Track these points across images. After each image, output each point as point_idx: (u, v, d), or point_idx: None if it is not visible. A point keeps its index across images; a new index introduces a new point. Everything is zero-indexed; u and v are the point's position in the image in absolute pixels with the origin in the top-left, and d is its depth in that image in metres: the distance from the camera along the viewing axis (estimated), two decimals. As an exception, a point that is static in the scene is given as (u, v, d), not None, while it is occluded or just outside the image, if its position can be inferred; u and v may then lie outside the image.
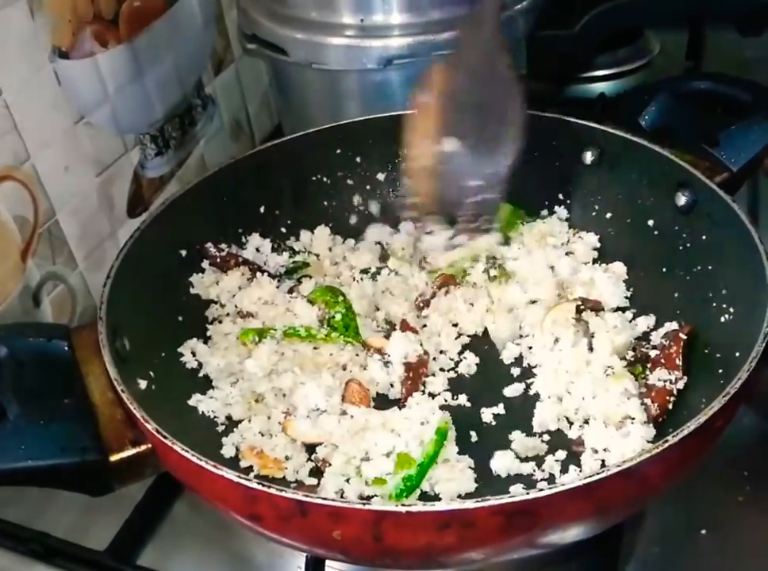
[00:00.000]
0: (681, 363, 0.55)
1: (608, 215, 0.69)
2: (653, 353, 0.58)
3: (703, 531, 0.55)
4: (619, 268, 0.67)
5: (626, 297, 0.65)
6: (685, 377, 0.55)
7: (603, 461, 0.52)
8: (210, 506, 0.47)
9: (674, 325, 0.60)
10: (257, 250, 0.71)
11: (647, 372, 0.57)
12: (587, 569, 0.54)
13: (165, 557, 0.58)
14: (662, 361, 0.56)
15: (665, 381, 0.55)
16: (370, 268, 0.71)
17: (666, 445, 0.41)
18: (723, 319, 0.56)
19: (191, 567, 0.57)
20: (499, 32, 0.56)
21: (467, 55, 0.58)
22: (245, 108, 0.96)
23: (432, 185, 0.60)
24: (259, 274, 0.68)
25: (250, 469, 0.54)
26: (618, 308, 0.64)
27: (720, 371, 0.52)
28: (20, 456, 0.45)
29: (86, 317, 0.75)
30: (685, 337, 0.56)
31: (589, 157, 0.69)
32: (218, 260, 0.68)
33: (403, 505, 0.39)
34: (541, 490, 0.39)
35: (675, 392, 0.55)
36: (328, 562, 0.53)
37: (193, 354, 0.62)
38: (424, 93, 0.59)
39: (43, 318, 0.70)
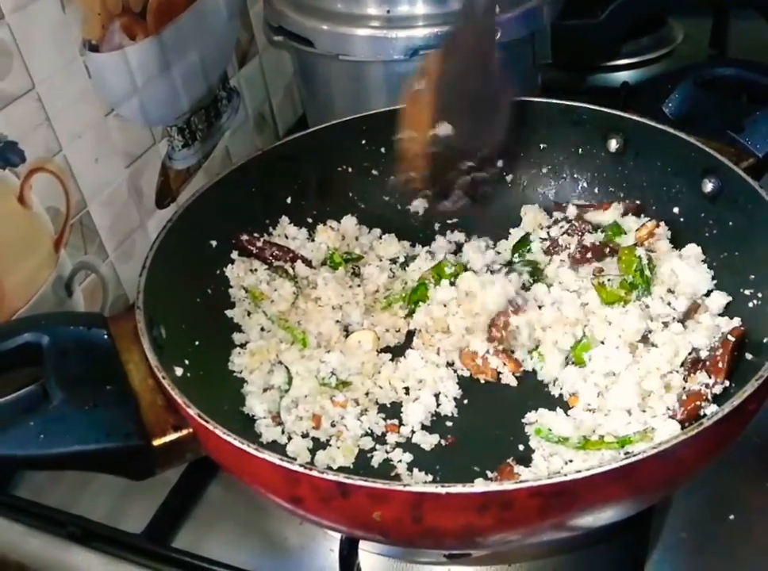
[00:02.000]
0: (724, 367, 0.53)
1: (637, 202, 0.69)
2: (703, 354, 0.56)
3: (731, 516, 0.55)
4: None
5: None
6: (726, 383, 0.53)
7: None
8: (250, 489, 0.48)
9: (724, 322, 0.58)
10: (288, 238, 0.72)
11: (690, 374, 0.55)
12: (616, 553, 0.55)
13: (200, 540, 0.59)
14: (708, 364, 0.54)
15: (702, 384, 0.53)
16: (398, 258, 0.71)
17: (702, 427, 0.41)
18: (751, 305, 0.57)
19: (226, 549, 0.58)
20: (493, 33, 0.62)
21: (462, 45, 0.61)
22: (269, 100, 0.97)
23: (424, 165, 0.62)
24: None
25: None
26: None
27: (750, 357, 0.53)
28: (66, 441, 0.47)
29: (117, 306, 0.76)
30: (732, 339, 0.54)
31: (613, 145, 0.69)
32: (255, 251, 0.69)
33: (443, 486, 0.40)
34: (578, 472, 0.40)
35: (709, 397, 0.53)
36: (361, 544, 0.54)
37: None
38: (418, 81, 0.62)
39: (75, 307, 0.71)
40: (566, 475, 0.39)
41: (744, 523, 0.55)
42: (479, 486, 0.39)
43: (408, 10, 0.73)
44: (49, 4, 0.63)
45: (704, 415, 0.52)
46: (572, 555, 0.55)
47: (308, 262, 0.70)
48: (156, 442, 0.48)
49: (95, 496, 0.62)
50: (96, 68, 0.69)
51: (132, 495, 0.61)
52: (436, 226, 0.74)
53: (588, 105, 0.69)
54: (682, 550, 0.55)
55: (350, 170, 0.74)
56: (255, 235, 0.70)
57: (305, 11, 0.76)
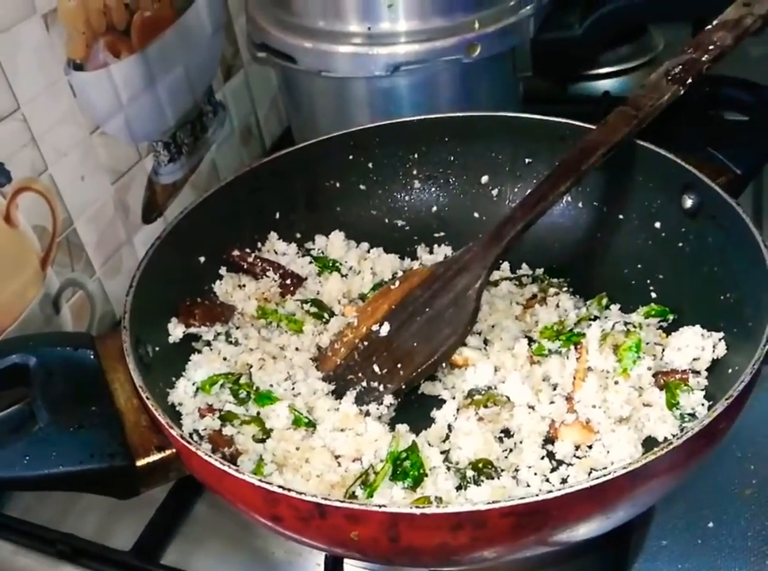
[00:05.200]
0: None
1: (620, 217, 0.70)
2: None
3: (710, 524, 0.56)
4: None
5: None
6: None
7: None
8: (232, 507, 0.49)
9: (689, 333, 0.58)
10: (278, 254, 0.72)
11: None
12: (598, 563, 0.56)
13: (188, 556, 0.60)
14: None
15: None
16: (397, 272, 0.72)
17: (671, 447, 0.42)
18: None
19: (213, 565, 0.59)
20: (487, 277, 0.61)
21: (445, 280, 0.61)
22: (255, 113, 0.97)
23: (345, 353, 0.62)
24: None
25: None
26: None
27: (729, 371, 0.54)
28: (51, 462, 0.47)
29: (105, 323, 0.77)
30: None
31: (596, 159, 0.69)
32: (245, 266, 0.70)
33: (417, 507, 0.41)
34: (550, 491, 0.40)
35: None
36: (346, 560, 0.55)
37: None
38: (395, 282, 0.64)
39: (62, 324, 0.72)
40: (537, 495, 0.40)
41: (724, 530, 0.56)
42: (453, 507, 0.40)
43: (389, 27, 0.73)
44: (33, 24, 0.64)
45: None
46: (555, 568, 0.56)
47: (298, 277, 0.71)
48: (140, 463, 0.49)
49: (84, 513, 0.63)
50: (81, 87, 0.69)
51: (120, 513, 0.62)
52: (423, 240, 0.75)
53: (571, 121, 0.69)
54: (664, 558, 0.56)
55: (337, 184, 0.75)
56: (247, 250, 0.70)
57: (288, 28, 0.77)
